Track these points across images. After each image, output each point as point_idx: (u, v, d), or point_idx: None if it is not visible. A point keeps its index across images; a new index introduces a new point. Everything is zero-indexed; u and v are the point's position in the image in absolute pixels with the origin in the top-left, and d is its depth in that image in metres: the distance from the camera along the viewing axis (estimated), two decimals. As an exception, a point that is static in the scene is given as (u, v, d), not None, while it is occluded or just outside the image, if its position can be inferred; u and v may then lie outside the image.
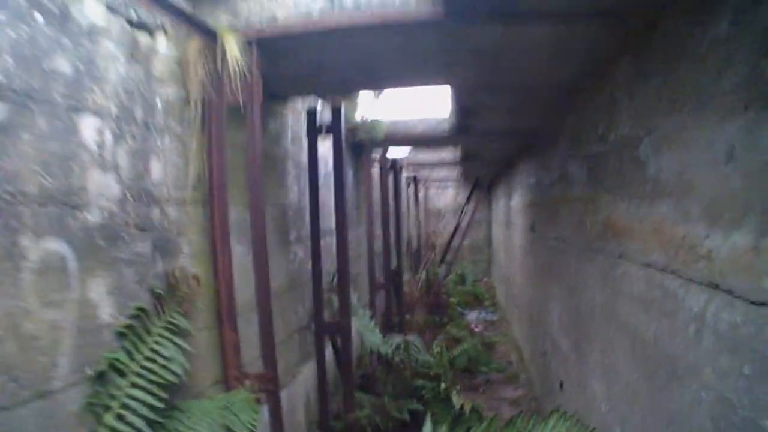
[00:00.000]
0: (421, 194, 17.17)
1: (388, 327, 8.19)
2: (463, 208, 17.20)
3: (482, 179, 16.03)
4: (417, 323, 9.82)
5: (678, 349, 2.51)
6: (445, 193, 18.39)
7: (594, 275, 3.97)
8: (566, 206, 5.04)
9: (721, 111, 2.09)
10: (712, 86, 2.15)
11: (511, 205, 10.50)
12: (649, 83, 2.84)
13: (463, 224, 16.82)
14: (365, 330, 6.45)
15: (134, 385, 2.55)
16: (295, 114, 5.23)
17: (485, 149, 9.30)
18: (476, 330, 11.05)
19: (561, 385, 5.26)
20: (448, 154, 11.38)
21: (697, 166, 2.30)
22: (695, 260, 2.33)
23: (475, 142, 8.26)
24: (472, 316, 12.76)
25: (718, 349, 2.15)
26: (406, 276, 11.12)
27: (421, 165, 12.78)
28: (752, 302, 1.90)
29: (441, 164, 12.65)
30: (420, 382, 6.56)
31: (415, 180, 15.71)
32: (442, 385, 6.20)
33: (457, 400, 5.11)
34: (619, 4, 2.62)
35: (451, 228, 17.10)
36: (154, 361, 2.67)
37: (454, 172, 15.42)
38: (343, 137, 5.38)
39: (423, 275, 12.05)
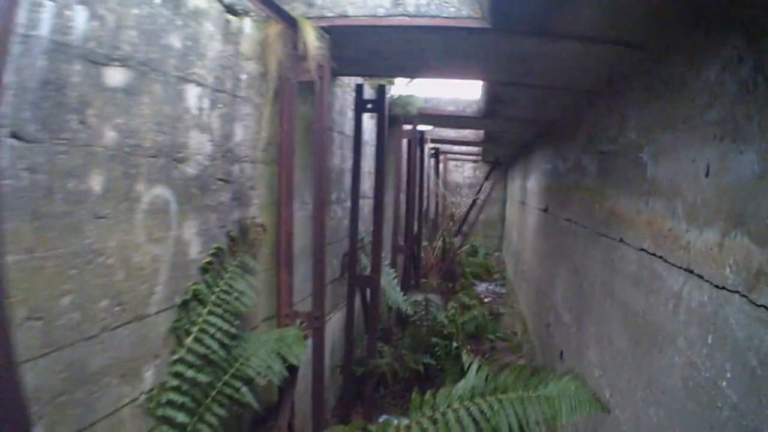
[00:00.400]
0: (441, 167, 17.58)
1: (406, 287, 8.71)
2: (482, 184, 17.66)
3: (501, 159, 16.42)
4: (431, 287, 10.29)
5: (659, 321, 2.94)
6: (464, 168, 18.78)
7: (597, 256, 4.36)
8: (578, 193, 5.40)
9: (704, 137, 2.51)
10: (700, 116, 2.58)
11: (527, 186, 10.76)
12: (654, 102, 3.24)
13: (480, 200, 17.29)
14: (389, 287, 6.97)
15: (211, 313, 3.04)
16: (342, 89, 5.73)
17: (507, 133, 9.69)
18: (485, 300, 11.54)
19: (561, 354, 5.66)
20: (471, 132, 11.78)
21: (684, 175, 2.74)
22: (677, 249, 2.76)
23: (499, 125, 8.66)
24: (482, 287, 13.23)
25: (689, 321, 2.58)
26: (424, 243, 11.60)
27: (444, 139, 13.18)
28: (715, 285, 2.32)
29: (463, 141, 13.04)
30: (434, 339, 7.10)
31: (438, 153, 16.12)
32: (454, 344, 6.74)
33: (466, 358, 5.64)
34: (625, 36, 3.05)
35: (468, 202, 17.56)
36: (228, 293, 3.18)
37: (475, 150, 15.79)
38: (386, 112, 5.87)
39: (439, 243, 12.53)
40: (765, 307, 1.96)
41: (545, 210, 7.89)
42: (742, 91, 2.20)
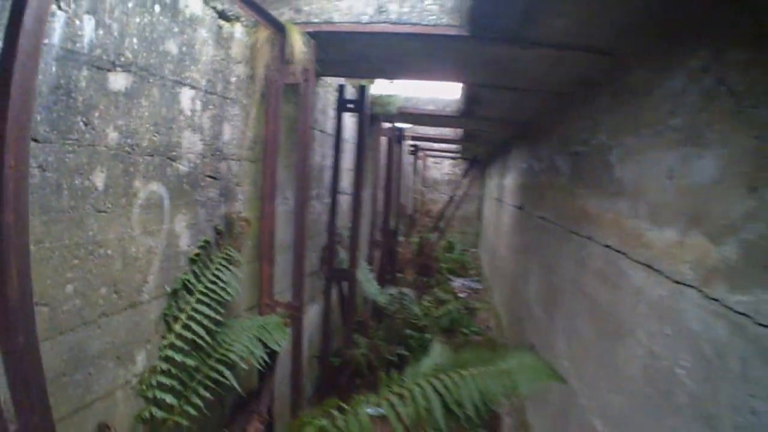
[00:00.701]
0: (420, 164, 17.80)
1: (381, 282, 8.92)
2: (459, 181, 17.93)
3: (479, 157, 16.67)
4: (407, 281, 10.51)
5: (623, 314, 3.15)
6: (443, 165, 19.00)
7: (568, 252, 4.56)
8: (551, 192, 5.60)
9: (667, 141, 2.72)
10: (664, 123, 2.78)
11: (504, 184, 10.91)
12: (622, 107, 3.45)
13: (457, 197, 17.56)
14: (365, 281, 7.19)
15: (199, 301, 3.23)
16: (324, 89, 5.91)
17: (485, 132, 9.92)
18: (461, 295, 11.79)
19: (532, 347, 5.91)
20: (450, 130, 12.00)
21: (648, 177, 2.95)
22: (639, 246, 2.98)
23: (477, 125, 8.88)
24: (457, 282, 13.44)
25: (649, 314, 2.78)
26: (401, 238, 11.82)
27: (424, 137, 13.40)
28: (674, 281, 2.53)
29: (442, 139, 13.26)
30: (408, 331, 7.34)
31: (416, 150, 16.34)
32: (428, 336, 6.97)
33: (439, 346, 5.87)
34: (596, 43, 3.26)
35: (445, 198, 17.81)
36: (215, 283, 3.36)
37: (454, 147, 16.03)
38: (366, 112, 6.09)
39: (416, 239, 12.73)
40: (718, 300, 2.14)
41: (520, 208, 8.07)
42: (704, 101, 2.40)
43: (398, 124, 9.84)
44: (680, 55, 2.64)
